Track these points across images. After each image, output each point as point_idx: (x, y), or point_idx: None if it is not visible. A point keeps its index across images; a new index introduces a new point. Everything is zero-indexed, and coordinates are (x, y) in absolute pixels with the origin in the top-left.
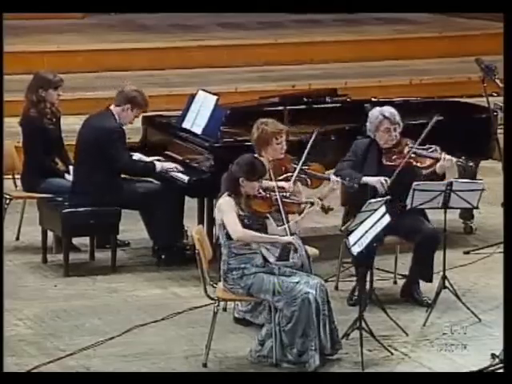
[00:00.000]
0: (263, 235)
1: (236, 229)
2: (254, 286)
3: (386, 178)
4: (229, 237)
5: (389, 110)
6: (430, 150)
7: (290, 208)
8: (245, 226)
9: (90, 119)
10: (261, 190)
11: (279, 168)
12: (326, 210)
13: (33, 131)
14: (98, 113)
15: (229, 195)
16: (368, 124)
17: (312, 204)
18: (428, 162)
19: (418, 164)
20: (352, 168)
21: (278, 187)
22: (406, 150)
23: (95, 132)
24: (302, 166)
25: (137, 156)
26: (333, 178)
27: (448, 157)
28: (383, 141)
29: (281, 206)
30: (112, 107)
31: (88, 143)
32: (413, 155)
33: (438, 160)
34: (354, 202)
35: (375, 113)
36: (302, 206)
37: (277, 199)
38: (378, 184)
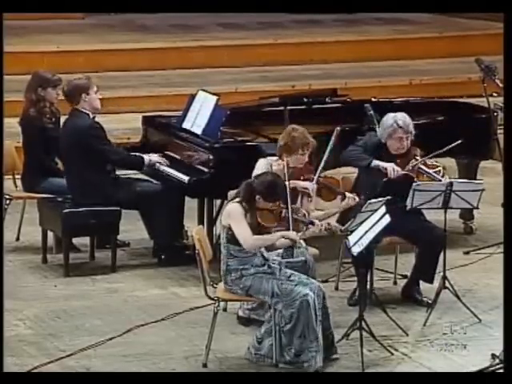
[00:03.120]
0: (269, 236)
1: (247, 238)
2: (252, 288)
3: (399, 168)
4: (229, 240)
5: (403, 119)
6: (435, 170)
7: (296, 227)
8: None
9: (65, 124)
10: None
11: (298, 175)
12: (332, 231)
13: (33, 131)
14: (69, 116)
15: (239, 202)
16: (380, 129)
17: (313, 224)
18: (430, 181)
19: (418, 181)
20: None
21: (292, 208)
22: (413, 162)
23: (74, 135)
24: (321, 173)
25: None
26: (348, 194)
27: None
28: (393, 148)
29: (291, 223)
30: (76, 107)
31: (71, 148)
32: (418, 169)
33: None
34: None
35: (389, 120)
36: (305, 227)
37: (285, 215)
38: (389, 167)
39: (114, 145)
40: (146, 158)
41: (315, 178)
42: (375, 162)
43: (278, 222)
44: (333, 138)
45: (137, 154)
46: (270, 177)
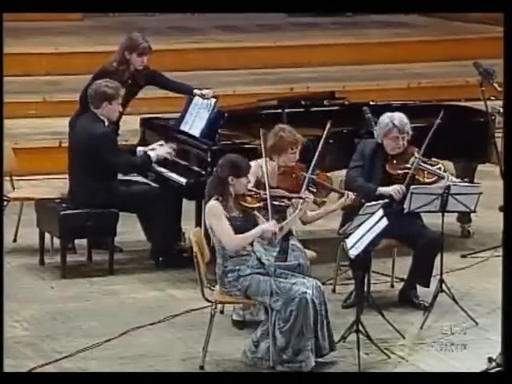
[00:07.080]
0: (251, 232)
1: (230, 239)
2: (250, 288)
3: (402, 186)
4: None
5: (399, 119)
6: (436, 166)
7: (282, 205)
8: (237, 228)
9: (77, 122)
10: (250, 187)
11: (289, 175)
12: (318, 204)
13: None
14: (85, 118)
15: (216, 199)
16: (377, 129)
17: (303, 199)
18: (430, 178)
19: (420, 178)
20: (361, 175)
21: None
22: (412, 160)
23: (85, 138)
24: (312, 173)
25: (139, 149)
26: (349, 194)
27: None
28: (390, 148)
29: (269, 203)
30: (94, 111)
31: (79, 149)
32: (418, 166)
33: (441, 178)
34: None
35: (385, 119)
36: (294, 201)
37: (266, 196)
38: (393, 191)
39: (122, 150)
40: (153, 154)
41: (303, 187)
42: (379, 191)
43: (260, 202)
44: (325, 132)
45: (144, 149)
46: (227, 157)
